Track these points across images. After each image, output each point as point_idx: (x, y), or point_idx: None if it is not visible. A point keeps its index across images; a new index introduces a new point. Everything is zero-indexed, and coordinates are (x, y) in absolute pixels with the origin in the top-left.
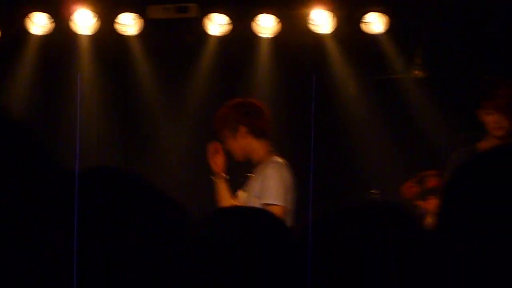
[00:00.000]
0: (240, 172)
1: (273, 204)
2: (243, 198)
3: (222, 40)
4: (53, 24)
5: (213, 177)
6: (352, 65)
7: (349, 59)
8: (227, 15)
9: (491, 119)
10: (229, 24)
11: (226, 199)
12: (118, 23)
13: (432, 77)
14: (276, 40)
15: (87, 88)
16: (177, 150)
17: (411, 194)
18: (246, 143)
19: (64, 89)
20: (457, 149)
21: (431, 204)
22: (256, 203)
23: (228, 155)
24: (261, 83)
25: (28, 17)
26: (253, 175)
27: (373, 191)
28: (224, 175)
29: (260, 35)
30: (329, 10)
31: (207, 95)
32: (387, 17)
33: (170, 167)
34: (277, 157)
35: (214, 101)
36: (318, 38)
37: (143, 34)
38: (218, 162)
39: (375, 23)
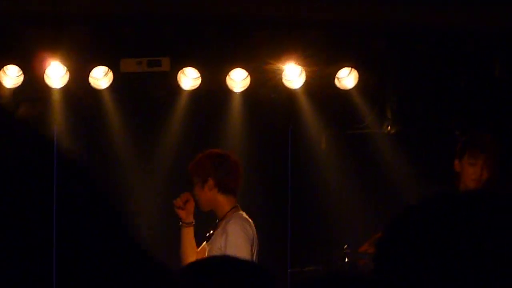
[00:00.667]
0: (208, 222)
1: None
2: (206, 251)
3: (194, 94)
4: (24, 77)
5: (182, 223)
6: (325, 120)
7: (322, 114)
8: (199, 69)
9: (472, 171)
10: (201, 78)
11: (190, 247)
12: (91, 77)
13: (403, 131)
14: (249, 94)
15: (61, 140)
16: (148, 203)
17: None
18: (211, 196)
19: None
20: None
21: None
22: None
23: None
24: (233, 137)
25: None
26: (217, 230)
27: (345, 247)
28: (193, 221)
29: (233, 89)
30: (301, 65)
31: (178, 150)
32: (358, 72)
33: (141, 219)
34: (241, 212)
35: (186, 156)
36: (290, 92)
37: (115, 88)
38: (189, 208)
39: (346, 78)
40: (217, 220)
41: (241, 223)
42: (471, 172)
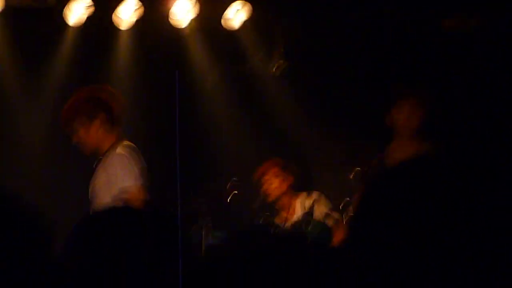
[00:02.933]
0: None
1: (132, 185)
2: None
3: (80, 31)
4: None
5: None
6: (213, 59)
7: (210, 53)
8: (86, 4)
9: (402, 116)
10: (88, 14)
11: None
12: None
13: (292, 71)
14: (135, 32)
15: None
16: (33, 141)
17: None
18: (101, 133)
19: None
20: (376, 156)
21: None
22: (103, 194)
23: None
24: (121, 74)
25: None
26: (99, 166)
27: (235, 179)
28: None
29: (119, 26)
30: (190, 2)
31: (65, 86)
32: (249, 6)
33: (26, 158)
34: (126, 141)
35: (72, 92)
36: (178, 31)
37: (4, 14)
38: None
39: (235, 18)
40: (97, 160)
41: (128, 150)
42: (401, 118)
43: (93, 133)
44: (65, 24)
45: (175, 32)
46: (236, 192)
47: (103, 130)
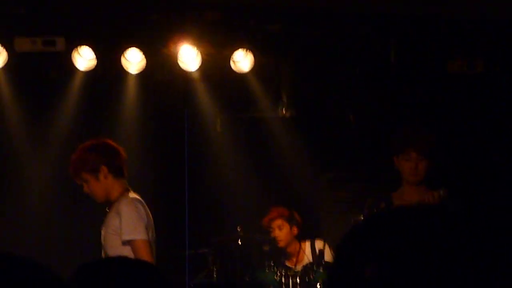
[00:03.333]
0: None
1: (134, 239)
2: (102, 237)
3: (89, 74)
4: None
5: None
6: (220, 102)
7: (217, 97)
8: (95, 49)
9: (408, 166)
10: (96, 59)
11: None
12: None
13: (297, 115)
14: (144, 76)
15: None
16: (38, 186)
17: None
18: (107, 183)
19: None
20: (373, 196)
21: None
22: (113, 240)
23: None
24: (129, 118)
25: None
26: (110, 213)
27: (238, 229)
28: None
29: (128, 70)
30: (196, 47)
31: (73, 130)
32: (253, 55)
33: (31, 204)
34: (132, 193)
35: (80, 137)
36: (186, 74)
37: (10, 67)
38: None
39: (242, 61)
40: (108, 205)
41: (133, 203)
42: (407, 167)
43: (101, 183)
44: (75, 68)
45: (184, 75)
46: (240, 243)
47: (109, 180)
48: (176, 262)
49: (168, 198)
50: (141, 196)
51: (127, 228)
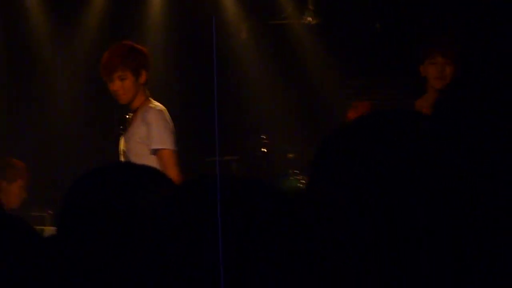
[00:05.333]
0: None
1: (163, 149)
2: (122, 142)
3: None
4: None
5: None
6: (246, 9)
7: (242, 4)
8: None
9: (434, 69)
10: None
11: None
12: None
13: (323, 23)
14: None
15: None
16: (67, 96)
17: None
18: (139, 87)
19: None
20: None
21: None
22: (140, 149)
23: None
24: (154, 27)
25: None
26: (135, 120)
27: (263, 136)
28: None
29: None
30: None
31: (99, 39)
32: None
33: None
34: (156, 103)
35: (106, 45)
36: None
37: None
38: None
39: None
40: (129, 112)
41: (162, 112)
42: (433, 71)
43: (134, 86)
44: None
45: None
46: (265, 150)
47: (140, 85)
48: (199, 168)
49: (195, 105)
50: (167, 105)
51: (158, 137)
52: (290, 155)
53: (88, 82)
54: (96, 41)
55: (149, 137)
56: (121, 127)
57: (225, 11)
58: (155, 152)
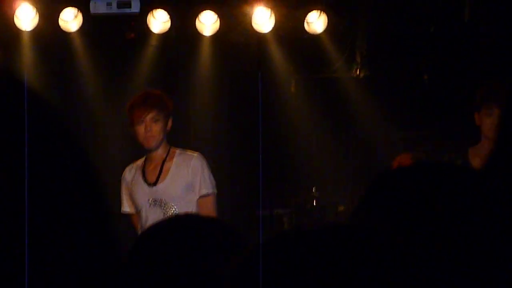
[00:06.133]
0: None
1: (211, 194)
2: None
3: (164, 37)
4: None
5: None
6: (294, 64)
7: (291, 58)
8: (169, 11)
9: (490, 121)
10: (170, 21)
11: None
12: (61, 19)
13: (372, 76)
14: (218, 38)
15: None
16: (117, 146)
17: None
18: (165, 134)
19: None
20: (449, 152)
21: None
22: (189, 195)
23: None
24: (202, 81)
25: None
26: (172, 164)
27: (313, 190)
28: None
29: (202, 33)
30: (270, 8)
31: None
32: (327, 16)
33: (110, 163)
34: (188, 150)
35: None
36: (260, 37)
37: (85, 30)
38: None
39: (316, 22)
40: (162, 159)
41: (203, 158)
42: (489, 122)
43: (163, 131)
44: (149, 31)
45: (258, 36)
46: (315, 204)
47: (166, 132)
48: (250, 223)
49: (243, 160)
50: (217, 157)
51: (209, 182)
52: (341, 208)
53: None
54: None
55: (199, 183)
56: (141, 177)
57: (274, 66)
58: (202, 197)
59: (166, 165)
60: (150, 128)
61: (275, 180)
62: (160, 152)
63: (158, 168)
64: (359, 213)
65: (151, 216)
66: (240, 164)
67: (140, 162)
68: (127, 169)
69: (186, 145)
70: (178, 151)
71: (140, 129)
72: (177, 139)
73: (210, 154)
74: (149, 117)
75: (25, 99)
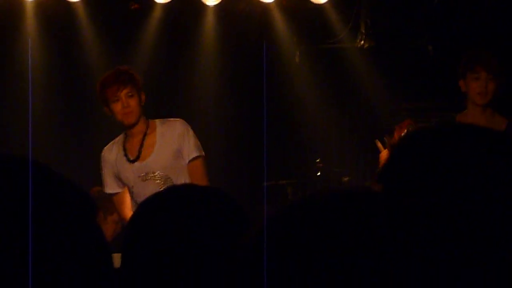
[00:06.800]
0: None
1: (200, 156)
2: (150, 160)
3: (167, 7)
4: None
5: None
6: (298, 34)
7: (295, 28)
8: None
9: (477, 85)
10: None
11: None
12: None
13: (376, 46)
14: (221, 8)
15: (33, 53)
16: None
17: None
18: (141, 108)
19: (10, 55)
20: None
21: None
22: (180, 163)
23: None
24: (206, 50)
25: None
26: (154, 134)
27: (318, 161)
28: None
29: (206, 2)
30: None
31: (151, 63)
32: None
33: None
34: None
35: (159, 69)
36: (263, 6)
37: (88, 1)
38: None
39: None
40: (143, 133)
41: (186, 123)
42: (475, 86)
43: (139, 106)
44: (153, 1)
45: (262, 6)
46: (319, 174)
47: (141, 106)
48: (254, 193)
49: (247, 131)
50: (222, 128)
51: (195, 145)
52: (345, 179)
53: None
54: (150, 65)
55: (186, 148)
56: (125, 154)
57: (278, 36)
58: (191, 161)
59: (150, 137)
60: (127, 104)
61: (279, 150)
62: (140, 127)
63: (141, 143)
64: (387, 174)
65: (146, 190)
66: (245, 134)
67: (118, 140)
68: (106, 149)
69: (190, 116)
70: (158, 121)
71: (117, 107)
72: (181, 109)
73: (214, 126)
74: (123, 93)
75: (29, 70)
